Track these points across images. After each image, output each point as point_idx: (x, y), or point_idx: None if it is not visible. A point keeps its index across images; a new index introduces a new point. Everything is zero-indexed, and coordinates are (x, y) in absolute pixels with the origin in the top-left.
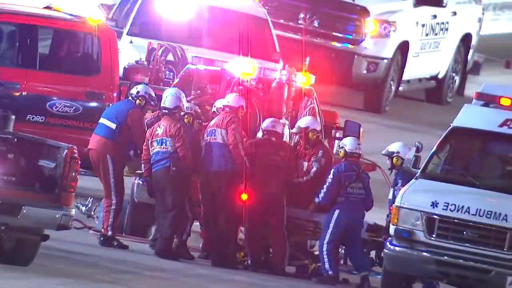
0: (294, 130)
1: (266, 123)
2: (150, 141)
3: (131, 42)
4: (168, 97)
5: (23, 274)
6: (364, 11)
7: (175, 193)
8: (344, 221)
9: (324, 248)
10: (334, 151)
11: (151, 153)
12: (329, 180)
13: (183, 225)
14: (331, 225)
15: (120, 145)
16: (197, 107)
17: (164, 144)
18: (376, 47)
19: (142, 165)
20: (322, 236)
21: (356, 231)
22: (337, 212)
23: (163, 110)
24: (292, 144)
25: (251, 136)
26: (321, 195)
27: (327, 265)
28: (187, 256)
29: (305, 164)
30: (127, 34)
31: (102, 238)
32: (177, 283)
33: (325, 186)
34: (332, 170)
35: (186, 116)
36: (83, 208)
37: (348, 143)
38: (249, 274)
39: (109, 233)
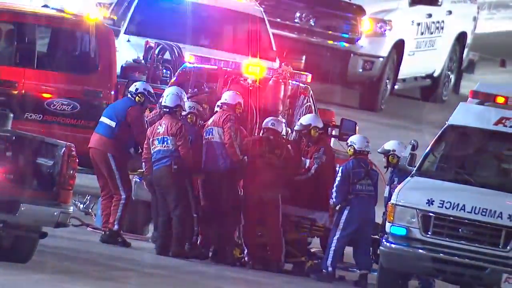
0: (296, 127)
1: (266, 121)
2: (151, 140)
3: (128, 40)
4: (169, 95)
5: (21, 271)
6: (360, 10)
7: (177, 192)
8: (354, 218)
9: (334, 244)
10: None
11: (152, 152)
12: (338, 179)
13: (190, 227)
14: (342, 222)
15: (121, 143)
16: (199, 105)
17: (165, 143)
18: (372, 46)
19: (143, 163)
20: (333, 233)
21: (367, 229)
22: (347, 209)
23: (164, 109)
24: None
25: (247, 134)
26: (333, 195)
27: (329, 261)
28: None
29: (307, 161)
30: (124, 32)
31: (107, 232)
32: (176, 280)
33: (335, 186)
34: (341, 168)
35: (189, 116)
36: (81, 206)
37: (357, 141)
38: (247, 271)
39: (115, 227)
